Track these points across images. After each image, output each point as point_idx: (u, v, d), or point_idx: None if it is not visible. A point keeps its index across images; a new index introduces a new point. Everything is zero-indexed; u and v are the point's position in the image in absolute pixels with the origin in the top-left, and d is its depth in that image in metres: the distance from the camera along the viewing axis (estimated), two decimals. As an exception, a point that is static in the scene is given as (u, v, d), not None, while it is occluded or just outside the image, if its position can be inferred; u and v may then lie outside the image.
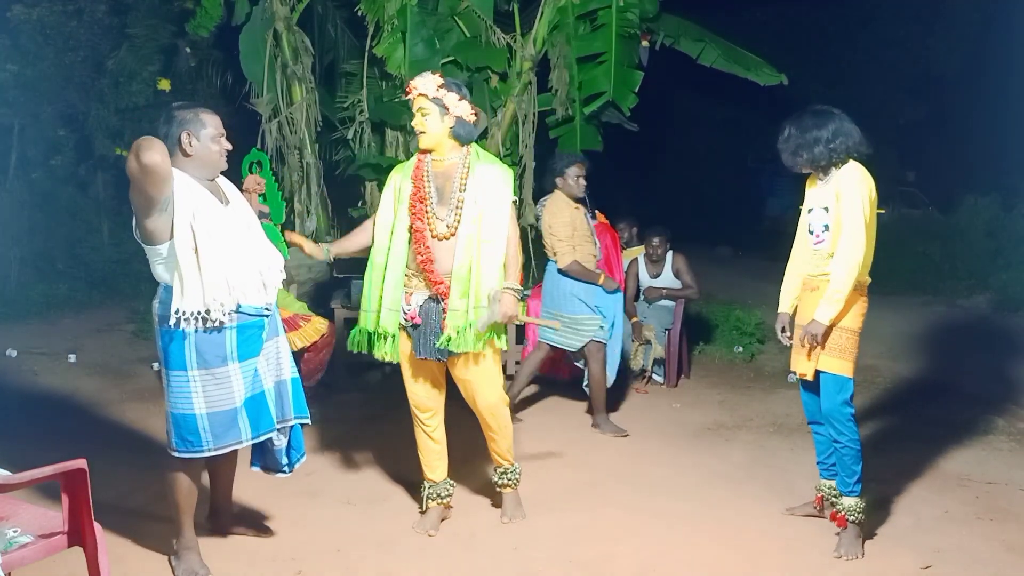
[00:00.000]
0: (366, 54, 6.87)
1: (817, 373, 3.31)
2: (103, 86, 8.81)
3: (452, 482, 3.60)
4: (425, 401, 3.46)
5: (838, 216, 3.21)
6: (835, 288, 3.17)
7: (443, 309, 3.27)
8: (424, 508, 3.56)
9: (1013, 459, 4.39)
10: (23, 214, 8.69)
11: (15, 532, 2.45)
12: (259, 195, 5.07)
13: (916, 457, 4.35)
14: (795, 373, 3.47)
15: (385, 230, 3.39)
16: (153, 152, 2.63)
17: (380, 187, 7.00)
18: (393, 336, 3.36)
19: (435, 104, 3.27)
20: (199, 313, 2.80)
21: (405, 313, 3.34)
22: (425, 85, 3.29)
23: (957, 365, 6.26)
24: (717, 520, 3.56)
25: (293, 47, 6.92)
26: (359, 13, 6.79)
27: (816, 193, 3.35)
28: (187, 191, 2.82)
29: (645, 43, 6.70)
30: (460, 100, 3.29)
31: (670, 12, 6.77)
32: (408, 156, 6.79)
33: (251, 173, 5.21)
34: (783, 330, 3.56)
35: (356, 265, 5.67)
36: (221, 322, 2.84)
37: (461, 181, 3.31)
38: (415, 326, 3.34)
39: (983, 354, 6.62)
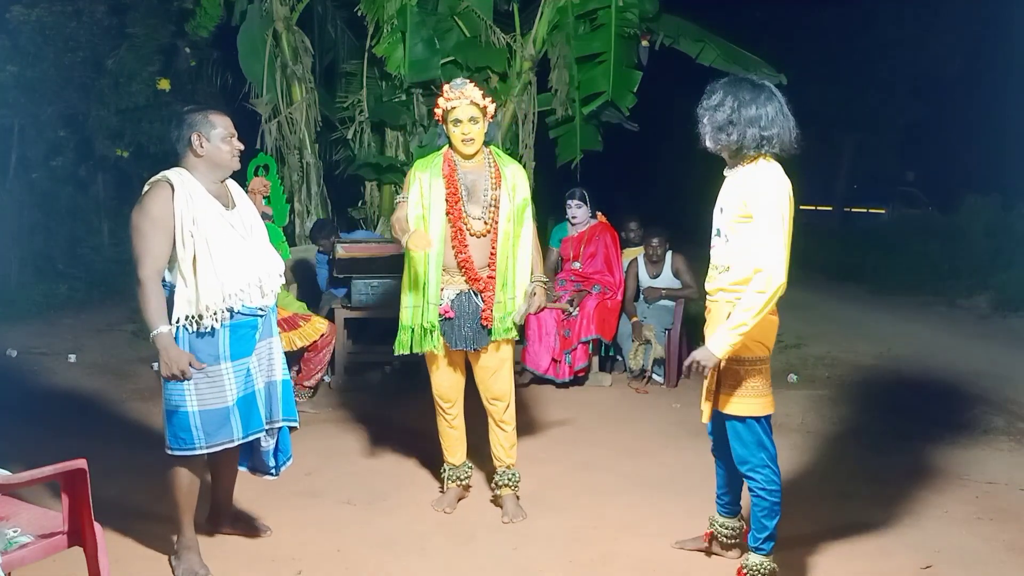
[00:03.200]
0: (366, 54, 6.88)
1: (715, 411, 2.84)
2: (103, 86, 8.81)
3: (471, 464, 3.77)
4: (449, 392, 3.61)
5: (736, 223, 2.69)
6: (743, 319, 2.57)
7: (482, 301, 3.44)
8: (444, 488, 3.74)
9: (1013, 459, 4.38)
10: (23, 214, 8.70)
11: (15, 532, 2.45)
12: (264, 197, 5.09)
13: (916, 457, 4.35)
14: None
15: (420, 227, 3.45)
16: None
17: (380, 187, 7.07)
18: (435, 328, 3.46)
19: (482, 113, 3.44)
20: (191, 317, 2.83)
21: (439, 305, 3.46)
22: (474, 93, 3.43)
23: (957, 365, 6.25)
24: (717, 520, 3.55)
25: (293, 47, 6.92)
26: (359, 13, 6.80)
27: (723, 187, 2.82)
28: (187, 198, 2.85)
29: (645, 43, 6.71)
30: (493, 106, 3.50)
31: (670, 12, 6.77)
32: (408, 156, 6.80)
33: (257, 176, 5.23)
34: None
35: (356, 266, 5.68)
36: (213, 326, 2.86)
37: (493, 180, 3.47)
38: (447, 319, 3.46)
39: (983, 354, 6.61)
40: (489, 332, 3.47)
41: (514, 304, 3.48)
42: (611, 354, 6.13)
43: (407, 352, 3.51)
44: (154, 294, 2.80)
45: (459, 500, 3.73)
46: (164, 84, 8.86)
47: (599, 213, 6.05)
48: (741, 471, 2.85)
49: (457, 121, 3.42)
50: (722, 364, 2.72)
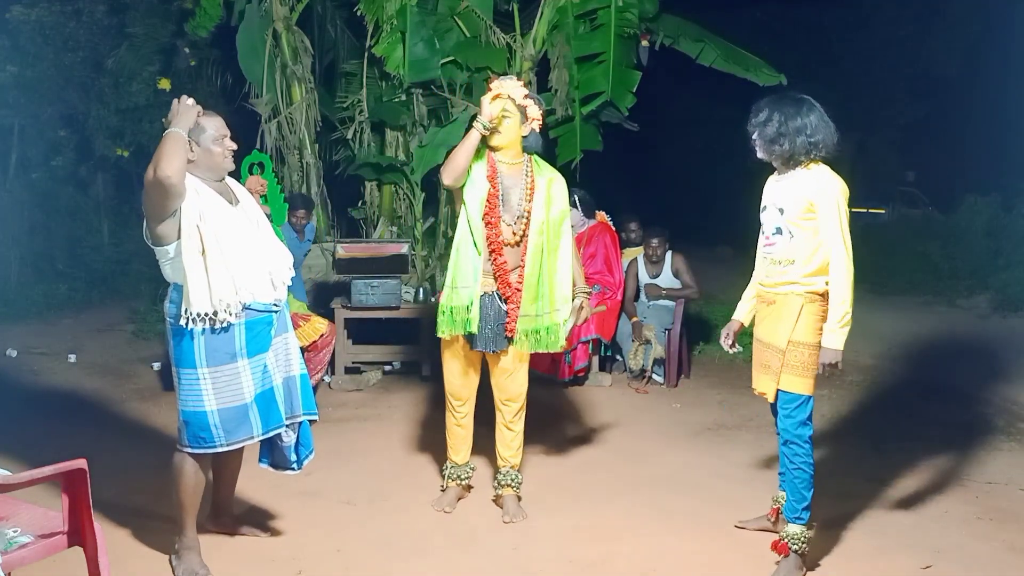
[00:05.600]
0: (366, 54, 6.87)
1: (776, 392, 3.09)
2: (103, 86, 8.81)
3: (473, 466, 3.77)
4: (461, 390, 3.61)
5: (802, 220, 2.97)
6: (844, 311, 2.93)
7: (507, 310, 3.44)
8: (444, 486, 3.73)
9: (1013, 459, 4.39)
10: (23, 214, 8.71)
11: (15, 532, 2.45)
12: (261, 196, 5.08)
13: (916, 457, 4.35)
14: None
15: (464, 217, 3.45)
16: (171, 165, 2.68)
17: (380, 187, 7.06)
18: (467, 307, 3.40)
19: (519, 111, 3.39)
20: (206, 314, 2.81)
21: None
22: (514, 90, 3.40)
23: (957, 365, 6.26)
24: (717, 520, 3.55)
25: (292, 47, 6.91)
26: (359, 13, 6.79)
27: (772, 189, 3.13)
28: (194, 193, 2.83)
29: (645, 43, 6.70)
30: (540, 112, 3.45)
31: (670, 12, 6.76)
32: (408, 156, 6.80)
33: (252, 175, 5.22)
34: (726, 336, 3.39)
35: (356, 266, 5.68)
36: (229, 321, 2.85)
37: (527, 191, 3.45)
38: None
39: (983, 354, 6.61)
40: (509, 339, 3.47)
41: (550, 319, 3.46)
42: (610, 354, 6.13)
43: (449, 335, 3.45)
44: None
45: (459, 500, 3.73)
46: (164, 84, 8.85)
47: (599, 213, 6.05)
48: (785, 444, 3.09)
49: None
50: (790, 346, 3.01)
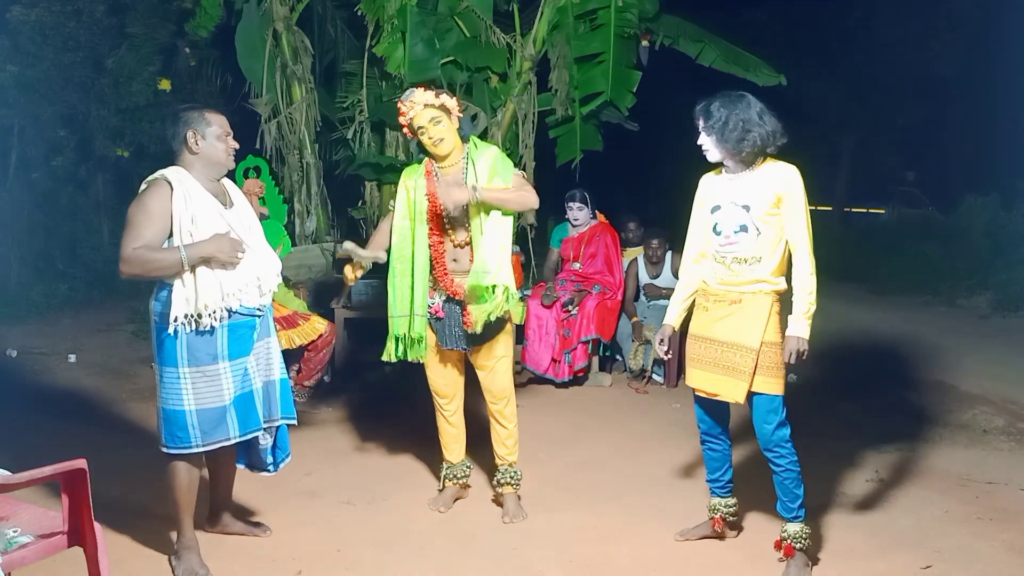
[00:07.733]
0: (366, 54, 6.87)
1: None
2: (103, 86, 8.81)
3: (469, 463, 3.79)
4: (444, 388, 3.64)
5: (768, 216, 2.96)
6: (811, 301, 2.95)
7: (463, 306, 3.43)
8: (442, 487, 3.75)
9: (1013, 459, 4.38)
10: (23, 214, 8.70)
11: (15, 532, 2.45)
12: (259, 198, 5.09)
13: (916, 457, 4.35)
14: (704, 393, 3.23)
15: (405, 239, 3.50)
16: (136, 274, 2.80)
17: (380, 187, 7.06)
18: (423, 339, 3.49)
19: (441, 111, 3.38)
20: (190, 316, 2.83)
21: (430, 307, 3.49)
22: (426, 97, 3.38)
23: (957, 365, 6.25)
24: (717, 520, 3.55)
25: (293, 47, 6.91)
26: (359, 13, 6.78)
27: (726, 188, 3.08)
28: (185, 199, 2.85)
29: (645, 43, 6.70)
30: (455, 100, 3.44)
31: (670, 12, 6.76)
32: (408, 156, 6.79)
33: (248, 179, 5.23)
34: (662, 342, 3.37)
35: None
36: (212, 325, 2.87)
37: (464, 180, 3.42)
38: (439, 319, 3.50)
39: (983, 354, 6.61)
40: (474, 336, 3.44)
41: (491, 294, 3.33)
42: (610, 354, 6.13)
43: (395, 360, 3.54)
44: (151, 251, 2.77)
45: (456, 499, 3.74)
46: (165, 84, 8.85)
47: (599, 213, 6.05)
48: (768, 449, 3.07)
49: (421, 128, 3.39)
50: (763, 347, 3.00)
